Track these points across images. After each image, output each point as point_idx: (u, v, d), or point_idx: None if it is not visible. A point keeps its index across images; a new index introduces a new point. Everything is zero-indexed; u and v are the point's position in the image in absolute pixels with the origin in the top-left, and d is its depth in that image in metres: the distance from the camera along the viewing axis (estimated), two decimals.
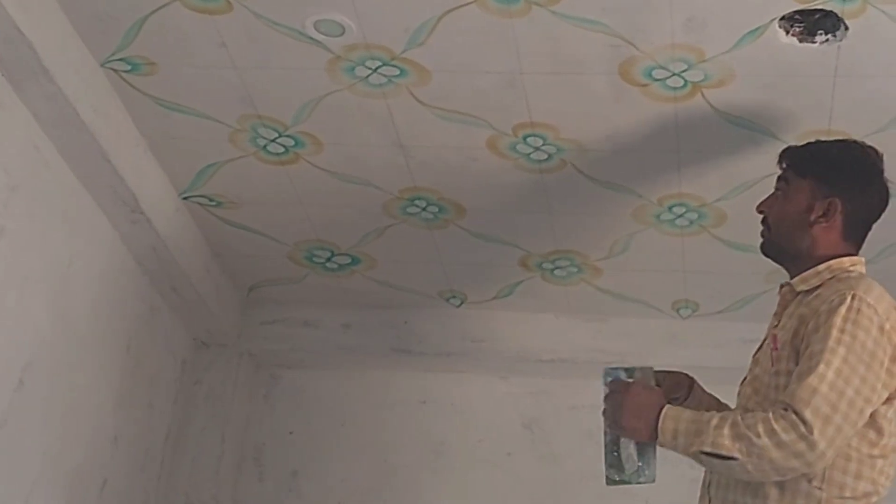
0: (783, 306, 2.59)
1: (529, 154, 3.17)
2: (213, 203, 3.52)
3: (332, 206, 3.48)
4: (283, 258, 3.77)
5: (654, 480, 2.51)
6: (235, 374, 4.00)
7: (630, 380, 2.53)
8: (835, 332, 2.35)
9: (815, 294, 2.49)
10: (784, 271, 2.64)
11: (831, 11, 2.61)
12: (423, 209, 3.45)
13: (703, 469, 2.52)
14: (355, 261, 3.75)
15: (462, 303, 3.93)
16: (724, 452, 2.33)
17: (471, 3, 2.68)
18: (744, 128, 2.99)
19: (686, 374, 2.75)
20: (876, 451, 2.41)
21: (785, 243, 2.60)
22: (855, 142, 2.67)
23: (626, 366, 2.56)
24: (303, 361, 4.09)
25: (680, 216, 3.36)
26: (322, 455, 4.00)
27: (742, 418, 2.35)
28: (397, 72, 2.91)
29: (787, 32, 2.69)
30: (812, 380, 2.32)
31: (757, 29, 2.68)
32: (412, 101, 3.00)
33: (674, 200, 3.30)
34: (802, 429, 2.29)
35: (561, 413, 3.96)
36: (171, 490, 3.83)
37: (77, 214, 3.21)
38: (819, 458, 2.31)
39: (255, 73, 2.97)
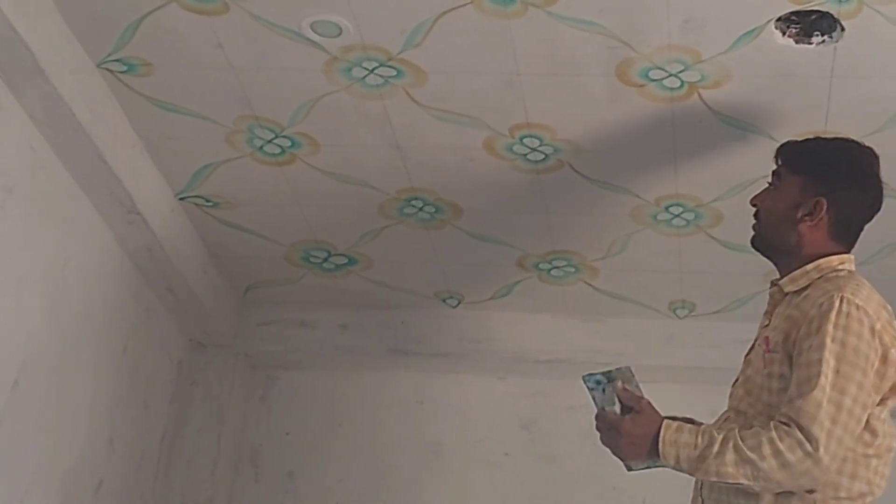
0: (773, 306, 2.58)
1: (526, 155, 3.17)
2: (210, 204, 3.52)
3: (329, 206, 3.48)
4: (279, 259, 3.77)
5: None
6: (232, 374, 3.99)
7: (616, 396, 2.48)
8: (828, 341, 2.34)
9: (803, 295, 2.48)
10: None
11: (827, 13, 2.61)
12: (420, 210, 3.45)
13: None
14: (352, 261, 3.75)
15: (459, 303, 3.93)
16: (729, 481, 2.34)
17: (467, 4, 2.68)
18: (740, 128, 2.98)
19: None
20: (871, 451, 2.42)
21: (773, 238, 2.60)
22: (852, 141, 2.66)
23: (604, 370, 2.54)
24: (299, 362, 4.08)
25: (677, 216, 3.36)
26: (319, 456, 3.99)
27: (743, 439, 2.34)
28: (394, 73, 2.91)
29: (784, 33, 2.69)
30: (817, 394, 2.31)
31: (753, 30, 2.68)
32: (409, 101, 3.00)
33: (671, 201, 3.30)
34: (808, 447, 2.29)
35: (558, 413, 3.95)
36: (168, 491, 3.82)
37: (73, 215, 3.20)
38: (824, 473, 2.32)
39: (252, 73, 2.97)
